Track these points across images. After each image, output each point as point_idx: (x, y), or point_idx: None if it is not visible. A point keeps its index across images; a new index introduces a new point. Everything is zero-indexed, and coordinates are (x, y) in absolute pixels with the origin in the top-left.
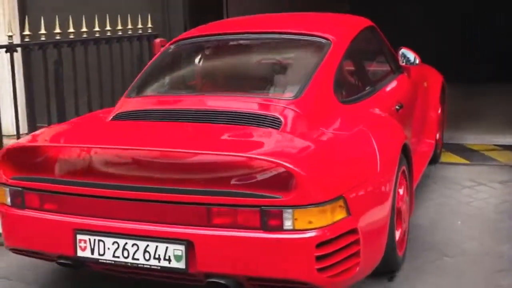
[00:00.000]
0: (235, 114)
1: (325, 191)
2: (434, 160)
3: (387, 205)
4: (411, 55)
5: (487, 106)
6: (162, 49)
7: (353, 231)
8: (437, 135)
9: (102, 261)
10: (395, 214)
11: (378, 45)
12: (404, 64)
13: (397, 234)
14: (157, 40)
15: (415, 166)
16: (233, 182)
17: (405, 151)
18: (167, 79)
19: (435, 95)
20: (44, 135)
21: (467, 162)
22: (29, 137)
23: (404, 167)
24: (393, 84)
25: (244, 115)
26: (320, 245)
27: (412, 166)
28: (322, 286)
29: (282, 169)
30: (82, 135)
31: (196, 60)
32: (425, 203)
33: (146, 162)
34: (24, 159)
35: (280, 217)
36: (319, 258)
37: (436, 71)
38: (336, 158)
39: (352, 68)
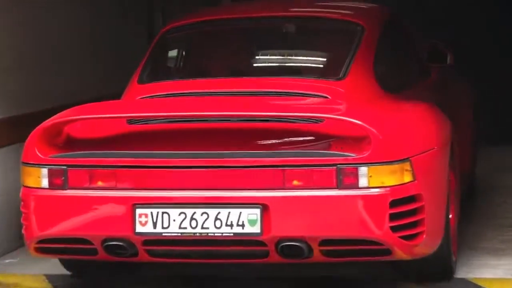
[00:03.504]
0: (282, 94)
1: (396, 151)
2: (470, 194)
3: (444, 184)
4: (442, 52)
5: None
6: (161, 33)
7: (419, 196)
8: (470, 167)
9: (166, 234)
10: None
11: (406, 36)
12: (432, 63)
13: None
14: None
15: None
16: (306, 143)
17: (452, 147)
18: (190, 64)
19: (467, 114)
20: (84, 110)
21: None
22: (68, 112)
23: (451, 163)
24: (425, 82)
25: (292, 95)
26: (393, 203)
27: (456, 168)
28: (393, 246)
29: (356, 128)
30: (130, 107)
31: (216, 45)
32: None
33: (214, 128)
34: (63, 135)
35: (355, 175)
36: (392, 217)
37: (469, 85)
38: (400, 124)
39: (387, 57)
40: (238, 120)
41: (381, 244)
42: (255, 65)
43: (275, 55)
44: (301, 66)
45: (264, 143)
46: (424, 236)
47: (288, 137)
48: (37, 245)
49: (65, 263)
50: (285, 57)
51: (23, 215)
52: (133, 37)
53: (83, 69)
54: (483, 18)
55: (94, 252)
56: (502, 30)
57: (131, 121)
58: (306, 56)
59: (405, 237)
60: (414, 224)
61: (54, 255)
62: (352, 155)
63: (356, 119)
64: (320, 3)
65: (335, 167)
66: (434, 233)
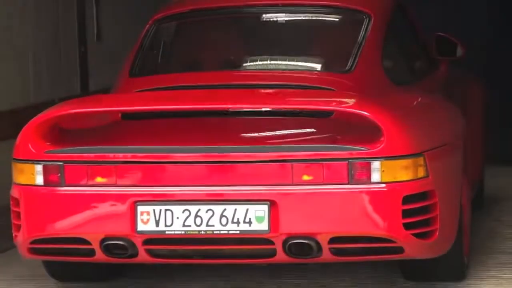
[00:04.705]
0: (287, 87)
1: (409, 145)
2: (479, 202)
3: (457, 182)
4: (451, 43)
5: None
6: (151, 21)
7: (432, 193)
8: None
9: (170, 233)
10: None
11: (413, 25)
12: (440, 56)
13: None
14: None
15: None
16: (316, 136)
17: (464, 145)
18: (186, 56)
19: (478, 113)
20: (81, 103)
21: None
22: (64, 105)
23: (463, 163)
24: (433, 76)
25: (296, 88)
26: (406, 199)
27: (469, 169)
28: (406, 244)
29: (367, 122)
30: (130, 100)
31: (214, 35)
32: None
33: (218, 122)
34: (57, 130)
35: (367, 169)
36: (405, 214)
37: (480, 81)
38: (412, 118)
39: (395, 48)
40: (244, 114)
41: (393, 242)
42: (257, 57)
43: (279, 46)
44: (305, 58)
45: (272, 137)
46: (438, 234)
47: (296, 131)
48: (30, 246)
49: (51, 269)
50: (289, 48)
51: (13, 214)
52: None
53: None
54: None
55: (91, 253)
56: None
57: (127, 115)
58: (310, 47)
59: (418, 235)
60: (427, 222)
61: (48, 257)
62: (364, 149)
63: (369, 112)
64: None
65: (346, 161)
66: (447, 232)
